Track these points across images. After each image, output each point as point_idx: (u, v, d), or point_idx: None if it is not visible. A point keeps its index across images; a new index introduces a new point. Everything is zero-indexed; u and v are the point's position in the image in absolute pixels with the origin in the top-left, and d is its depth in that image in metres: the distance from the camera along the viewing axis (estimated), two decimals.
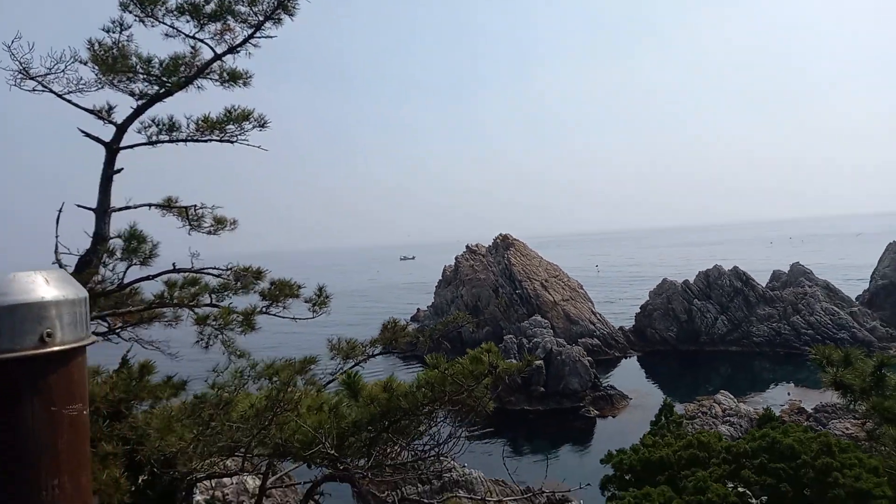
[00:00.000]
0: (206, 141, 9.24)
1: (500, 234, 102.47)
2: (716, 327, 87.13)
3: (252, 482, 30.96)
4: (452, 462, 38.44)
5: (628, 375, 77.31)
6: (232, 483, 32.10)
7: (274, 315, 10.33)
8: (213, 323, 9.20)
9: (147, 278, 8.82)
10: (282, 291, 9.96)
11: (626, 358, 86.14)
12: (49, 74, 8.00)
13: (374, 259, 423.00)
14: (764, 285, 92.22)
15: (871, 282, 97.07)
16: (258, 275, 10.05)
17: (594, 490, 10.17)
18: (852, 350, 8.21)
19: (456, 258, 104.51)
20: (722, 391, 58.74)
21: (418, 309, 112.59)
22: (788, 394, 62.99)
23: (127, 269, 8.39)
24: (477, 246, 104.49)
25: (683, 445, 8.61)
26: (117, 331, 10.16)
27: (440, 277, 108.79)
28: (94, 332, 1.85)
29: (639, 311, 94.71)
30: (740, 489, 7.38)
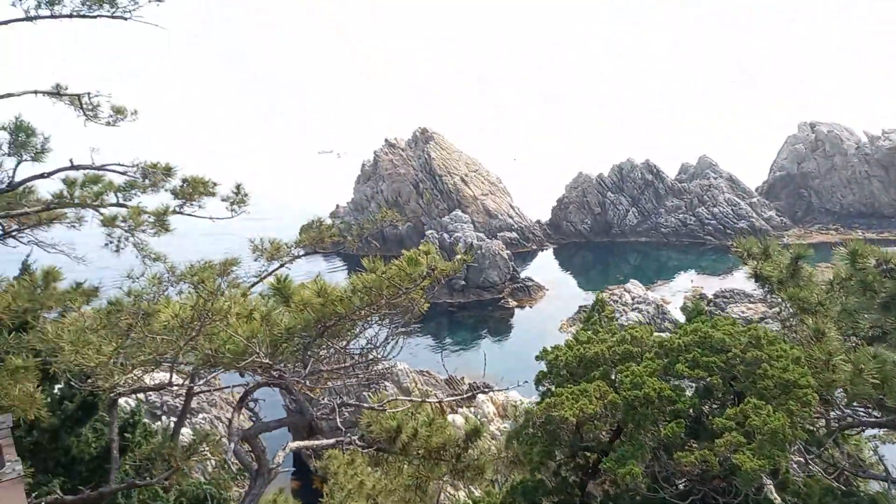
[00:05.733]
0: (94, 17, 8.12)
1: (420, 127, 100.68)
2: (627, 219, 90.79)
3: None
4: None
5: (545, 267, 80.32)
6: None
7: (189, 215, 9.70)
8: (123, 224, 8.52)
9: (42, 176, 7.96)
10: (195, 189, 9.29)
11: (542, 250, 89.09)
12: None
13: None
14: (673, 177, 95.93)
15: (770, 173, 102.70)
16: (168, 171, 9.29)
17: (529, 388, 10.49)
18: (772, 243, 8.55)
19: (375, 152, 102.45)
20: (632, 280, 62.08)
21: (337, 205, 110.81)
22: (692, 281, 67.28)
23: (17, 165, 7.50)
24: (396, 139, 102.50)
25: (617, 341, 8.90)
26: (13, 234, 9.33)
27: (359, 172, 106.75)
28: None
29: (555, 204, 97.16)
30: (675, 383, 7.78)
